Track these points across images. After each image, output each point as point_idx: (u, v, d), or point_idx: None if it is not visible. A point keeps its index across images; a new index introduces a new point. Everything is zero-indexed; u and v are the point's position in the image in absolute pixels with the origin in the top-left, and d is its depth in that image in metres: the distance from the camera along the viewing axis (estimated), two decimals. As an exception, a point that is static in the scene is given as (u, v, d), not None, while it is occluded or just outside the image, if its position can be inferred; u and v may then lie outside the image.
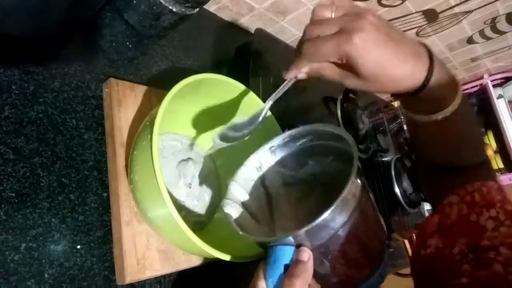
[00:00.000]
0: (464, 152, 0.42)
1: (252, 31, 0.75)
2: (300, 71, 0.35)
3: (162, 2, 0.41)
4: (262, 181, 0.45)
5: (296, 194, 0.45)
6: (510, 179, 1.29)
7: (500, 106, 1.26)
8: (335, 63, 0.34)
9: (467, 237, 0.37)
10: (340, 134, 0.39)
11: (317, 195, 0.44)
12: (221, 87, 0.48)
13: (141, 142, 0.41)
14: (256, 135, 0.41)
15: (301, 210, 0.43)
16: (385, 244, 0.41)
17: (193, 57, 0.66)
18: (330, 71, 0.34)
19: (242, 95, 0.50)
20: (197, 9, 0.44)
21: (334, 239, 0.32)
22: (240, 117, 0.42)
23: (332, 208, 0.30)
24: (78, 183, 0.43)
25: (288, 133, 0.44)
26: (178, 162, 0.51)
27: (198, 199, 0.52)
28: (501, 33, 1.00)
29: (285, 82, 0.37)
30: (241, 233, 0.35)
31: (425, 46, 0.35)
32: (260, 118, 0.40)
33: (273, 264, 0.32)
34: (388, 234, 0.81)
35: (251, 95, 0.50)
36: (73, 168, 0.43)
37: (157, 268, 0.44)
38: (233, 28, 0.82)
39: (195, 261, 0.48)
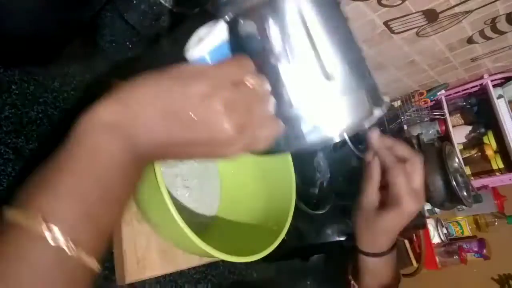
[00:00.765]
0: None
1: (252, 31, 0.75)
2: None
3: (162, 2, 0.41)
4: None
5: None
6: (510, 179, 1.29)
7: (500, 106, 1.26)
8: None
9: None
10: None
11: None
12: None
13: (141, 142, 0.40)
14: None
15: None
16: None
17: (193, 57, 0.66)
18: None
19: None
20: (197, 9, 0.44)
21: None
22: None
23: None
24: (78, 183, 0.43)
25: None
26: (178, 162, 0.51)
27: (198, 199, 0.52)
28: (501, 33, 1.00)
29: None
30: None
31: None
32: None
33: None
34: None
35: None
36: (73, 168, 0.43)
37: (157, 268, 0.44)
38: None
39: (195, 261, 0.48)
